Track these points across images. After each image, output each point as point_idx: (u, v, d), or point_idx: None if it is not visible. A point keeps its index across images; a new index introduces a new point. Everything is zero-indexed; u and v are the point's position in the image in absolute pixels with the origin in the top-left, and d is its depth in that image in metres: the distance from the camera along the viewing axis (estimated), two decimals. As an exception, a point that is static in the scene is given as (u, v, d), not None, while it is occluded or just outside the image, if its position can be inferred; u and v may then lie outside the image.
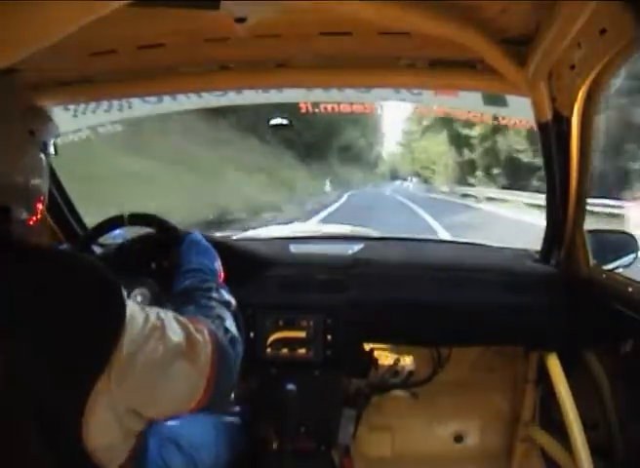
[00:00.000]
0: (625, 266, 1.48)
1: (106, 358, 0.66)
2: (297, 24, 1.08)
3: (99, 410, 0.66)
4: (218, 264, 1.09)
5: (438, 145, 36.00)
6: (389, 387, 1.69)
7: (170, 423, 1.09)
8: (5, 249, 0.67)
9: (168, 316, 0.75)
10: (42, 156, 0.80)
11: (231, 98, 1.63)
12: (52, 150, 0.83)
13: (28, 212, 0.77)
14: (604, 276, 1.39)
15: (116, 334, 0.67)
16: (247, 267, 1.51)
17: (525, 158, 21.03)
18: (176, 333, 0.73)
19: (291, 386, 1.35)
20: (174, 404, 0.76)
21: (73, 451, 0.66)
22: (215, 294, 0.93)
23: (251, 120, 16.54)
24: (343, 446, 1.62)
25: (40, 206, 0.81)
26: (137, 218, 1.31)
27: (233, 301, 0.94)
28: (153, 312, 0.74)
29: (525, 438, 1.66)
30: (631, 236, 1.60)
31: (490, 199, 19.79)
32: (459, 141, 30.33)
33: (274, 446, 1.39)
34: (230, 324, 0.87)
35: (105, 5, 0.65)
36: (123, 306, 0.68)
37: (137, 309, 0.72)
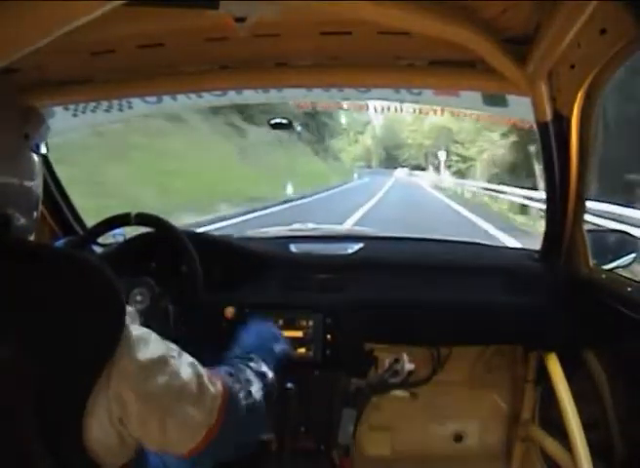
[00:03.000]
0: (625, 266, 1.48)
1: (105, 359, 0.66)
2: (296, 24, 1.08)
3: (99, 412, 0.66)
4: (278, 346, 1.05)
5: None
6: (389, 387, 1.69)
7: None
8: (5, 250, 0.67)
9: (184, 356, 0.73)
10: (36, 158, 0.79)
11: (231, 98, 1.63)
12: (43, 150, 0.82)
13: (26, 215, 0.76)
14: (603, 276, 1.39)
15: (115, 336, 0.66)
16: (247, 267, 1.51)
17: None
18: (186, 374, 0.71)
19: (290, 385, 1.35)
20: (167, 444, 0.72)
21: (74, 452, 0.66)
22: (252, 364, 0.89)
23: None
24: (343, 445, 1.62)
25: (37, 208, 0.80)
26: (136, 219, 1.31)
27: (271, 375, 0.91)
28: (172, 347, 0.72)
29: (524, 437, 1.66)
30: (631, 236, 1.60)
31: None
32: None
33: (274, 446, 1.39)
34: (256, 390, 0.83)
35: (102, 4, 0.65)
36: (122, 308, 0.68)
37: (154, 337, 0.71)
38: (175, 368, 0.70)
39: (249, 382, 0.83)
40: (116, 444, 0.70)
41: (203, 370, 0.74)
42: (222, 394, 0.75)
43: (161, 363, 0.69)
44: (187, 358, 0.74)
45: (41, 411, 0.62)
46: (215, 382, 0.75)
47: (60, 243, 1.48)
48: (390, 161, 49.04)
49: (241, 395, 0.79)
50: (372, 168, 47.28)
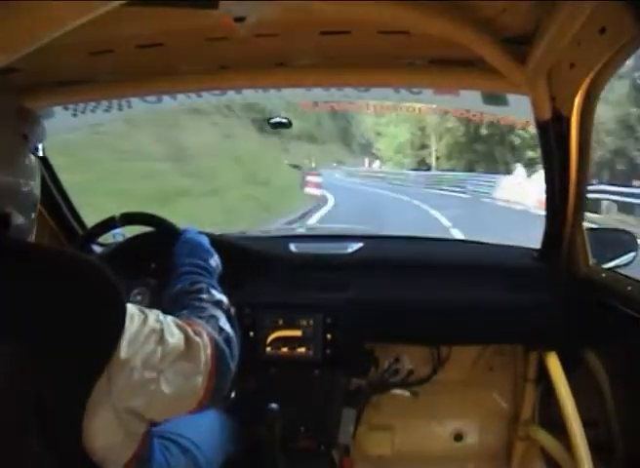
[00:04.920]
0: (625, 265, 1.48)
1: (106, 359, 0.66)
2: (296, 24, 1.07)
3: (100, 411, 0.66)
4: (213, 260, 1.08)
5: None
6: (389, 386, 1.70)
7: (172, 424, 1.10)
8: (4, 250, 0.67)
9: (167, 319, 0.76)
10: (34, 159, 0.80)
11: (231, 98, 1.63)
12: (40, 152, 0.83)
13: (24, 214, 0.77)
14: (603, 275, 1.39)
15: (116, 336, 0.67)
16: (247, 266, 1.51)
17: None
18: (174, 336, 0.74)
19: (274, 405, 1.34)
20: (175, 405, 0.76)
21: (74, 452, 0.66)
22: (205, 295, 0.93)
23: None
24: (343, 445, 1.62)
25: (35, 208, 0.81)
26: (130, 218, 1.31)
27: (225, 299, 0.95)
28: (153, 314, 0.74)
29: (525, 436, 1.66)
30: (631, 234, 1.60)
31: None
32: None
33: (274, 446, 1.39)
34: (224, 322, 0.87)
35: (101, 4, 0.65)
36: (123, 308, 0.69)
37: (136, 311, 0.72)
38: (163, 335, 0.73)
39: (215, 318, 0.87)
40: (119, 441, 0.71)
41: (185, 325, 0.78)
42: (210, 343, 0.79)
43: (150, 334, 0.71)
44: (169, 318, 0.77)
45: (41, 412, 0.62)
46: (200, 332, 0.79)
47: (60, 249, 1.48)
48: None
49: (216, 334, 0.83)
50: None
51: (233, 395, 1.44)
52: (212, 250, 1.12)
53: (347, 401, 1.59)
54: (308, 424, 1.50)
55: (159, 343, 0.71)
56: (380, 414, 1.73)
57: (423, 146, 30.58)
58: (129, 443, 0.73)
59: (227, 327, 0.87)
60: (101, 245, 1.60)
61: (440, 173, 24.25)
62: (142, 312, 0.73)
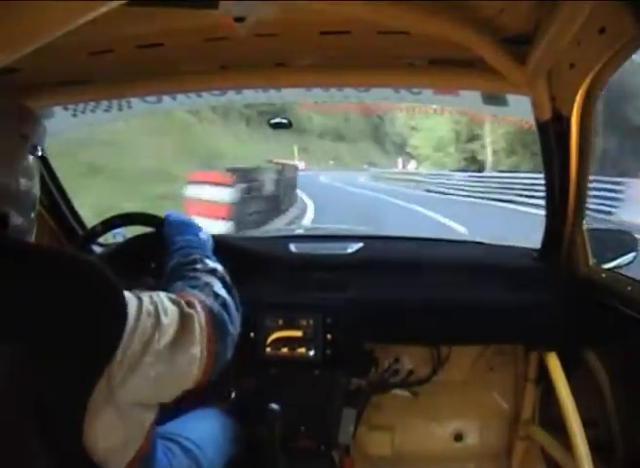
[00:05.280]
0: (625, 265, 1.48)
1: (106, 359, 0.66)
2: (296, 24, 1.07)
3: (102, 411, 0.66)
4: (203, 234, 1.09)
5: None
6: (389, 386, 1.69)
7: (174, 425, 1.10)
8: (4, 250, 0.67)
9: (160, 297, 0.76)
10: (33, 159, 0.79)
11: (231, 98, 1.63)
12: (39, 153, 0.82)
13: (23, 214, 0.77)
14: (603, 275, 1.39)
15: (116, 336, 0.67)
16: (247, 266, 1.51)
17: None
18: (168, 315, 0.74)
19: (274, 406, 1.34)
20: (181, 381, 0.77)
21: (74, 452, 0.66)
22: (199, 265, 0.94)
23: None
24: (343, 445, 1.62)
25: (34, 209, 0.81)
26: (130, 218, 1.31)
27: (220, 267, 0.95)
28: (146, 297, 0.74)
29: (525, 437, 1.66)
30: (631, 234, 1.60)
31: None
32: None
33: (274, 446, 1.39)
34: (219, 288, 0.88)
35: (101, 4, 0.65)
36: (124, 308, 0.68)
37: (131, 296, 0.72)
38: (158, 315, 0.73)
39: (209, 285, 0.88)
40: (121, 442, 0.71)
41: (178, 298, 0.78)
42: (203, 311, 0.79)
43: (145, 320, 0.71)
44: (162, 296, 0.77)
45: (41, 412, 0.62)
46: (192, 303, 0.79)
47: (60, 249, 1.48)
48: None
49: (211, 300, 0.83)
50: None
51: (233, 395, 1.44)
52: (199, 225, 1.13)
53: (347, 401, 1.59)
54: (308, 424, 1.49)
55: (155, 328, 0.72)
56: (380, 414, 1.73)
57: (473, 138, 23.42)
58: (131, 443, 0.73)
59: (223, 292, 0.88)
60: (102, 245, 1.60)
61: (499, 174, 16.81)
62: (137, 297, 0.73)
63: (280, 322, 1.45)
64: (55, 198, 1.64)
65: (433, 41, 1.05)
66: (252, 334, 1.43)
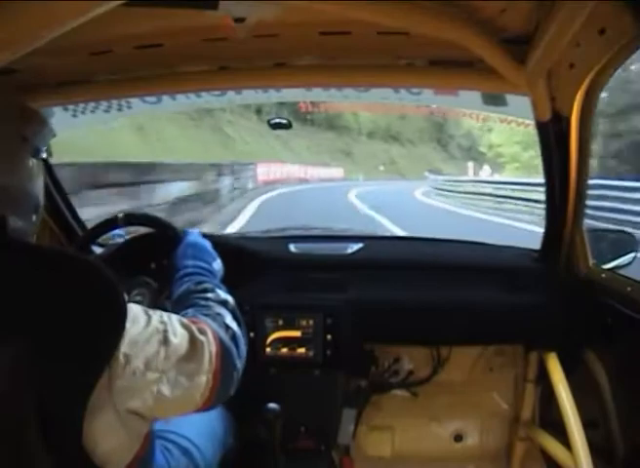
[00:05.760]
0: (625, 265, 1.48)
1: (106, 360, 0.66)
2: (295, 24, 1.07)
3: (101, 413, 0.66)
4: (216, 264, 1.09)
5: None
6: (389, 387, 1.69)
7: (172, 425, 1.10)
8: (4, 251, 0.67)
9: (171, 319, 0.76)
10: (35, 162, 0.78)
11: (231, 98, 1.64)
12: (44, 154, 0.81)
13: (23, 217, 0.76)
14: (603, 275, 1.39)
15: (116, 337, 0.67)
16: (246, 266, 1.51)
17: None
18: (177, 336, 0.74)
19: (273, 406, 1.34)
20: (180, 405, 0.76)
21: (74, 454, 0.66)
22: (211, 295, 0.93)
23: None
24: (343, 445, 1.62)
25: (36, 212, 0.80)
26: (132, 218, 1.31)
27: (231, 299, 0.95)
28: (156, 315, 0.74)
29: (525, 437, 1.66)
30: (630, 235, 1.60)
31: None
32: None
33: (274, 446, 1.39)
34: (230, 320, 0.87)
35: (101, 4, 0.65)
36: (123, 308, 0.68)
37: (140, 312, 0.72)
38: (166, 335, 0.72)
39: (220, 316, 0.87)
40: (121, 444, 0.70)
41: (190, 323, 0.77)
42: (214, 340, 0.78)
43: (153, 334, 0.71)
44: (174, 317, 0.77)
45: (42, 412, 0.62)
46: (204, 331, 0.78)
47: (60, 249, 1.47)
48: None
49: (222, 332, 0.82)
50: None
51: (232, 395, 1.44)
52: (215, 253, 1.12)
53: (347, 401, 1.59)
54: (308, 424, 1.50)
55: (162, 344, 0.71)
56: (380, 415, 1.73)
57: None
58: (131, 445, 0.73)
59: (234, 325, 0.87)
60: (102, 245, 1.60)
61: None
62: (146, 313, 0.73)
63: (280, 322, 1.45)
64: (55, 199, 1.64)
65: (433, 41, 1.05)
66: (252, 334, 1.43)
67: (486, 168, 23.46)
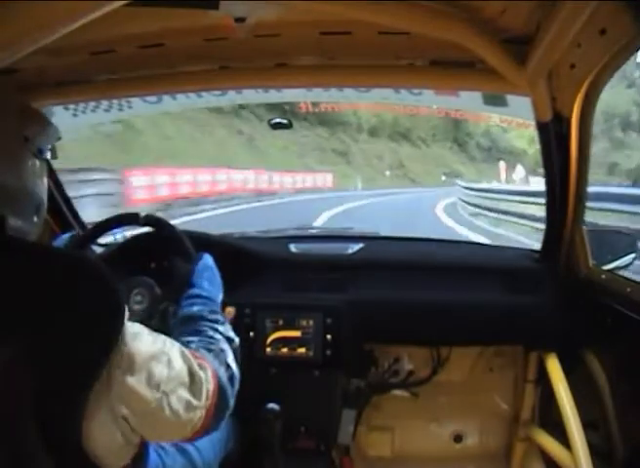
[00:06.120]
0: (624, 266, 1.48)
1: (105, 359, 0.66)
2: (296, 24, 1.08)
3: (99, 413, 0.66)
4: (221, 297, 1.09)
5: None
6: (389, 387, 1.69)
7: None
8: (3, 251, 0.67)
9: (175, 346, 0.76)
10: (37, 162, 0.77)
11: (231, 98, 1.64)
12: (48, 155, 0.81)
13: (23, 218, 0.75)
14: (603, 276, 1.39)
15: (114, 335, 0.66)
16: (247, 266, 1.51)
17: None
18: (178, 365, 0.74)
19: (274, 406, 1.34)
20: (169, 430, 0.76)
21: (73, 453, 0.66)
22: (221, 328, 0.93)
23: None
24: (343, 445, 1.62)
25: (37, 213, 0.79)
26: (151, 221, 1.28)
27: (236, 339, 0.95)
28: (161, 338, 0.75)
29: (524, 437, 1.66)
30: (630, 236, 1.60)
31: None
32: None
33: (274, 445, 1.39)
34: (232, 360, 0.88)
35: (102, 4, 0.65)
36: (121, 308, 0.68)
37: (145, 331, 0.73)
38: (170, 358, 0.73)
39: (224, 353, 0.88)
40: (119, 444, 0.70)
41: (191, 357, 0.78)
42: (213, 379, 0.79)
43: (159, 356, 0.72)
44: (176, 347, 0.77)
45: (40, 412, 0.62)
46: (204, 367, 0.79)
47: (63, 238, 1.46)
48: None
49: (222, 370, 0.83)
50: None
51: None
52: (222, 286, 1.12)
53: (347, 401, 1.59)
54: (308, 424, 1.50)
55: (166, 365, 0.72)
56: (379, 415, 1.73)
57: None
58: (129, 445, 0.73)
59: (234, 365, 0.88)
60: (102, 245, 1.60)
61: None
62: (152, 334, 0.74)
63: (280, 322, 1.45)
64: (55, 198, 1.64)
65: (434, 42, 1.05)
66: (252, 334, 1.43)
67: (519, 169, 18.29)
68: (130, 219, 1.30)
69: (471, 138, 26.73)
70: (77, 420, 0.65)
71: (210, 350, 0.85)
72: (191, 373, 0.76)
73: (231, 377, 0.85)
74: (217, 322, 0.94)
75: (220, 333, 0.91)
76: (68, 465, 0.67)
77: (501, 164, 19.83)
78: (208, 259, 1.13)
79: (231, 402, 0.85)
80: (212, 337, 0.89)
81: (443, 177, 20.16)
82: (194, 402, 0.75)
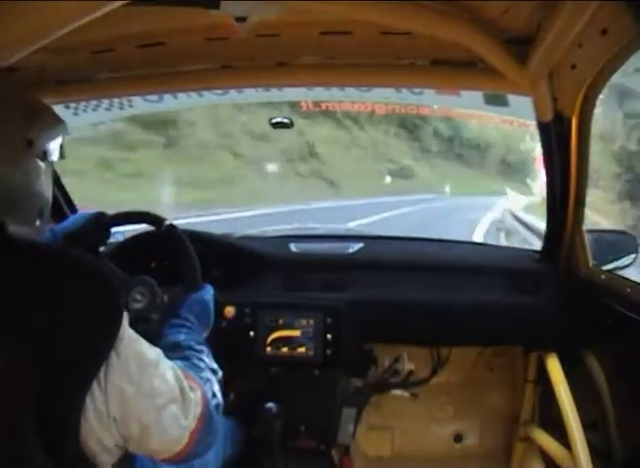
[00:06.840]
0: (624, 267, 1.48)
1: (103, 358, 0.66)
2: (297, 24, 1.08)
3: (96, 411, 0.66)
4: (207, 332, 1.09)
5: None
6: (389, 387, 1.70)
7: None
8: (3, 251, 0.67)
9: (169, 363, 0.76)
10: (41, 165, 0.75)
11: (232, 97, 1.64)
12: (55, 157, 0.78)
13: (25, 222, 0.74)
14: (603, 276, 1.39)
15: (113, 335, 0.67)
16: (247, 266, 1.51)
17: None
18: (171, 380, 0.74)
19: (273, 405, 1.34)
20: (154, 443, 0.74)
21: (71, 451, 0.66)
22: (206, 359, 0.93)
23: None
24: (343, 445, 1.62)
25: (40, 216, 0.77)
26: (171, 233, 1.20)
27: (220, 372, 0.96)
28: (157, 350, 0.75)
29: (524, 437, 1.66)
30: (630, 236, 1.60)
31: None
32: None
33: (274, 445, 1.39)
34: (217, 390, 0.88)
35: (103, 4, 0.65)
36: (121, 308, 0.68)
37: (143, 340, 0.73)
38: (165, 372, 0.73)
39: (210, 382, 0.88)
40: (113, 443, 0.70)
41: (183, 377, 0.77)
42: (201, 402, 0.78)
43: (155, 365, 0.72)
44: (169, 363, 0.77)
45: (40, 412, 0.62)
46: (194, 389, 0.78)
47: (83, 214, 1.34)
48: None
49: (209, 397, 0.83)
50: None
51: (232, 395, 1.44)
52: (212, 319, 1.12)
53: (347, 401, 1.59)
54: (308, 424, 1.50)
55: (160, 377, 0.72)
56: (379, 415, 1.73)
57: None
58: (119, 446, 0.73)
59: (219, 395, 0.88)
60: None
61: None
62: (150, 346, 0.74)
63: (280, 321, 1.45)
64: (57, 200, 1.64)
65: (435, 42, 1.05)
66: (252, 334, 1.43)
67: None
68: (153, 222, 1.22)
69: (426, 123, 19.50)
70: (75, 418, 0.65)
71: (199, 377, 0.85)
72: (183, 392, 0.75)
73: (217, 406, 0.85)
74: (202, 352, 0.94)
75: (206, 364, 0.92)
76: (68, 465, 0.67)
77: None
78: (205, 294, 1.12)
79: (217, 429, 0.83)
80: (198, 366, 0.89)
81: (388, 179, 14.37)
82: (182, 422, 0.74)
